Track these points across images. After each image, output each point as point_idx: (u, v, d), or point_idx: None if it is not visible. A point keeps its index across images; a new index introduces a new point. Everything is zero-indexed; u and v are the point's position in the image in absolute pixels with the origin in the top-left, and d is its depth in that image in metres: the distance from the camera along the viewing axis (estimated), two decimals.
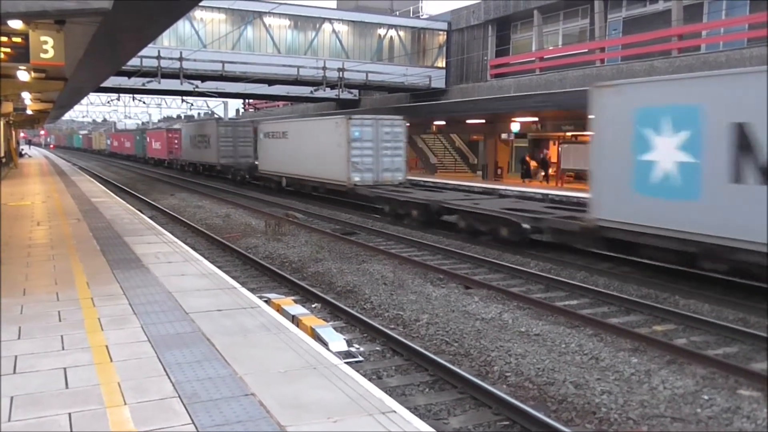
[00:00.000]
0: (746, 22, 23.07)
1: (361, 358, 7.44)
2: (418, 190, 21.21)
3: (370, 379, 5.84)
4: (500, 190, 24.16)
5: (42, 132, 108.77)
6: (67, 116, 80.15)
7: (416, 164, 37.85)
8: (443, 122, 33.16)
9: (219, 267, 10.02)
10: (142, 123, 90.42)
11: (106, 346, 5.54)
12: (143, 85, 31.41)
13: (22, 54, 8.91)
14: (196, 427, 4.04)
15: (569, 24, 31.34)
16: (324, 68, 32.17)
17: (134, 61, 24.78)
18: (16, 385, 4.65)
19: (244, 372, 4.99)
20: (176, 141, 46.68)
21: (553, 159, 29.63)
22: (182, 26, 30.30)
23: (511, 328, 8.70)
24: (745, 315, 9.36)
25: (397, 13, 41.99)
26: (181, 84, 30.77)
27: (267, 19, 32.68)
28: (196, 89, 33.39)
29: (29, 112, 28.89)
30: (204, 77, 31.46)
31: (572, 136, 28.55)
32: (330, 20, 34.65)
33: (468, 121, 31.51)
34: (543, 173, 29.65)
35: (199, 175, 40.76)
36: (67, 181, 26.62)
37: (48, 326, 6.09)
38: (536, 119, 27.95)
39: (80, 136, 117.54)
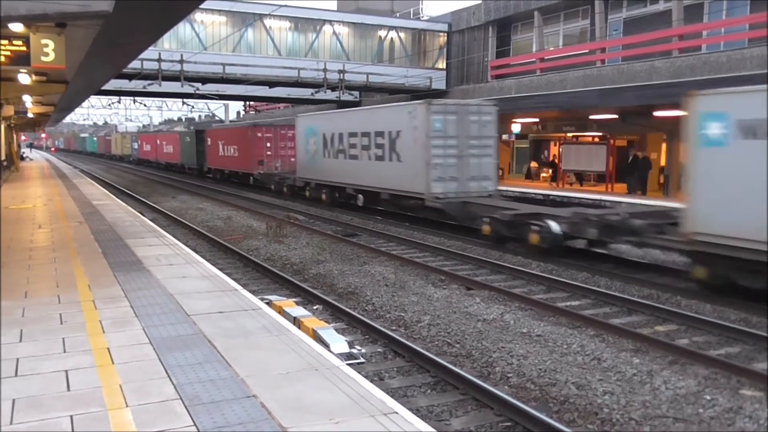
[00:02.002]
0: (747, 22, 23.05)
1: (362, 360, 7.43)
2: None
3: (371, 381, 5.84)
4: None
5: (43, 135, 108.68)
6: (68, 119, 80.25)
7: None
8: None
9: (220, 269, 10.02)
10: (143, 126, 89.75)
11: (108, 349, 5.55)
12: (144, 87, 31.44)
13: (23, 57, 8.92)
14: (198, 429, 4.04)
15: (570, 25, 31.33)
16: (325, 70, 32.20)
17: (135, 64, 24.81)
18: (18, 388, 4.66)
19: (246, 374, 4.99)
20: (271, 144, 31.08)
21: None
22: (183, 29, 30.33)
23: (513, 329, 8.69)
24: (747, 315, 9.35)
25: (398, 14, 42.04)
26: (182, 86, 30.80)
27: (267, 21, 32.70)
28: (197, 91, 33.42)
29: (30, 115, 28.95)
30: (205, 79, 31.48)
31: (573, 137, 28.56)
32: (330, 22, 34.67)
33: None
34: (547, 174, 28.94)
35: (319, 203, 23.78)
36: (69, 184, 26.64)
37: (49, 329, 6.09)
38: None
39: (95, 139, 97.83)
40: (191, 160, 42.24)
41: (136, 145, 62.83)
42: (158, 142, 53.40)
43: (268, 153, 31.08)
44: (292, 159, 29.53)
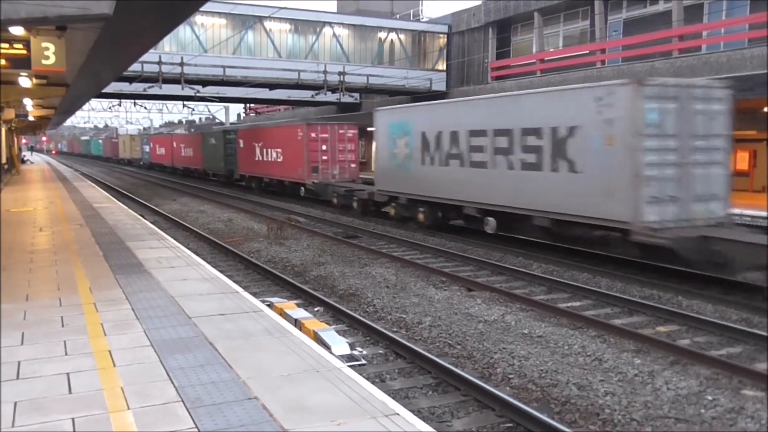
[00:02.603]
0: (747, 23, 23.07)
1: (364, 362, 7.43)
2: None
3: (373, 382, 5.84)
4: None
5: (44, 138, 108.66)
6: (68, 122, 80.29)
7: None
8: None
9: (221, 271, 10.03)
10: (144, 128, 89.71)
11: (109, 351, 5.55)
12: (144, 90, 31.52)
13: (23, 60, 8.94)
14: (200, 431, 4.04)
15: (570, 26, 31.36)
16: (325, 72, 32.23)
17: (135, 67, 24.85)
18: (20, 391, 4.66)
19: (247, 376, 4.99)
20: (327, 147, 25.54)
21: None
22: (183, 31, 30.39)
23: (514, 330, 8.69)
24: (748, 315, 9.35)
25: (398, 16, 42.07)
26: (182, 89, 30.85)
27: (267, 24, 32.75)
28: (198, 94, 33.47)
29: (31, 118, 29.00)
30: (205, 82, 31.55)
31: None
32: (330, 24, 34.72)
33: None
34: None
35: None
36: (69, 187, 26.66)
37: (51, 332, 6.10)
38: None
39: (100, 141, 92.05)
40: (217, 165, 36.25)
41: (147, 148, 56.71)
42: (174, 144, 46.93)
43: (324, 158, 25.27)
44: (353, 165, 25.75)
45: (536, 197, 13.44)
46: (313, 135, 25.20)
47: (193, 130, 64.45)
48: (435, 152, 16.93)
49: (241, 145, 32.65)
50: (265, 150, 29.53)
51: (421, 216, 17.88)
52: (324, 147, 25.33)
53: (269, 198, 28.30)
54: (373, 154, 22.35)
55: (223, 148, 35.24)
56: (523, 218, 14.13)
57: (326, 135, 25.37)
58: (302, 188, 26.13)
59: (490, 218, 15.16)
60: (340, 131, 25.76)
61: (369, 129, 28.39)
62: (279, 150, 27.74)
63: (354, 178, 25.40)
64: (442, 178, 16.67)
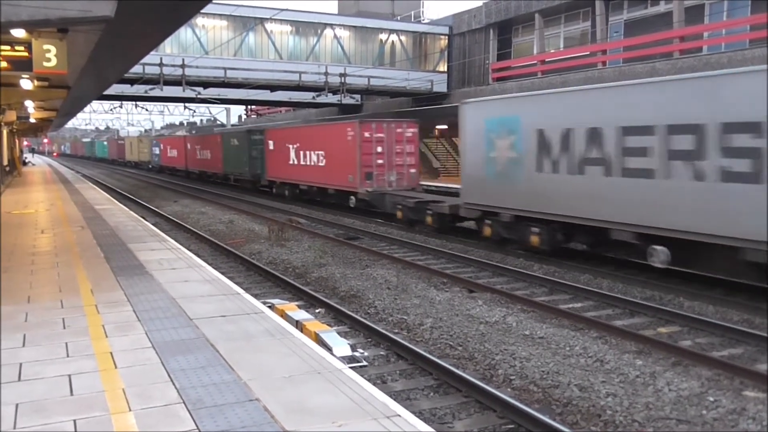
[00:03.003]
0: (747, 24, 23.07)
1: (365, 363, 7.43)
2: None
3: (374, 384, 5.85)
4: None
5: (45, 140, 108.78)
6: (70, 124, 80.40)
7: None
8: None
9: (222, 273, 10.04)
10: (145, 131, 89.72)
11: (111, 353, 5.55)
12: (146, 92, 31.58)
13: (24, 62, 8.95)
14: None
15: (571, 27, 31.37)
16: (326, 74, 32.27)
17: (137, 69, 24.88)
18: (21, 393, 4.66)
19: (249, 377, 4.99)
20: (383, 149, 21.57)
21: None
22: (184, 33, 30.42)
23: (515, 332, 8.69)
24: (749, 316, 9.34)
25: (399, 17, 42.10)
26: (184, 91, 30.90)
27: (269, 26, 32.77)
28: (198, 96, 33.52)
29: (32, 120, 29.04)
30: (206, 84, 31.58)
31: None
32: (331, 26, 34.74)
33: None
34: None
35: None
36: (71, 189, 26.69)
37: (52, 333, 6.10)
38: None
39: (105, 143, 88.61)
40: (240, 168, 32.65)
41: (157, 150, 52.49)
42: (189, 146, 43.08)
43: (379, 162, 21.35)
44: (412, 170, 22.14)
45: (751, 221, 9.43)
46: (366, 135, 21.22)
47: (194, 131, 64.36)
48: (560, 156, 12.91)
49: (271, 146, 28.76)
50: (302, 152, 25.43)
51: (534, 239, 13.68)
52: (379, 149, 21.38)
53: (269, 200, 28.29)
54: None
55: (248, 150, 31.28)
56: (719, 249, 10.14)
57: (382, 135, 21.44)
58: (352, 198, 22.05)
59: (658, 247, 11.05)
60: (398, 130, 21.91)
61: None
62: (321, 152, 23.78)
63: (413, 185, 22.11)
64: (571, 191, 12.66)
